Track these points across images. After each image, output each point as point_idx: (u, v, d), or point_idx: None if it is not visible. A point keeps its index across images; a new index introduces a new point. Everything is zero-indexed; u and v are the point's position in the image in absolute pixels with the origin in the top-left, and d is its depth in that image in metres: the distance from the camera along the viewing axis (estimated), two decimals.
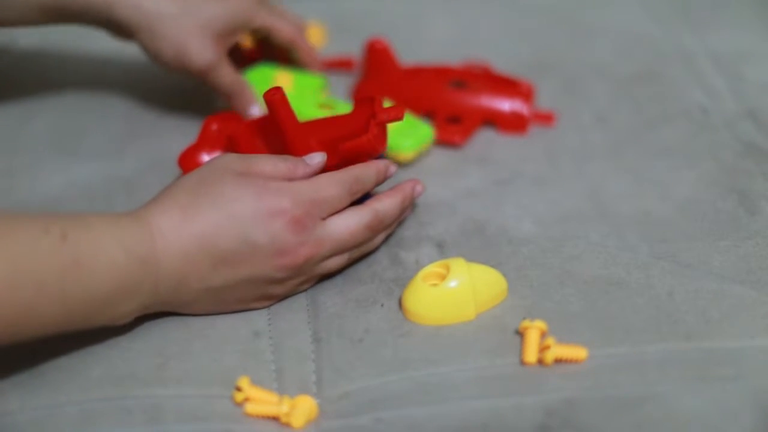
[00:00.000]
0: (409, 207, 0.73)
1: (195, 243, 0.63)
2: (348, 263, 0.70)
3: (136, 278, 0.62)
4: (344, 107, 0.84)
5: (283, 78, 0.88)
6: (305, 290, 0.69)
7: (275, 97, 0.71)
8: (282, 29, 0.87)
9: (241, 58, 0.90)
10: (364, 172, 0.69)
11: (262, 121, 0.75)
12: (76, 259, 0.59)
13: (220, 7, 0.81)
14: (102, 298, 0.61)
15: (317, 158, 0.69)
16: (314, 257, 0.66)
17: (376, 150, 0.72)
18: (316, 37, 0.99)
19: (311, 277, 0.68)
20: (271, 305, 0.69)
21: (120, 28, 0.81)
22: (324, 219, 0.67)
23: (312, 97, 0.86)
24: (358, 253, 0.70)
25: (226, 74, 0.83)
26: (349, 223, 0.68)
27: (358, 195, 0.69)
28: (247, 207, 0.64)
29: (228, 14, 0.82)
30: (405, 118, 0.73)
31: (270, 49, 0.91)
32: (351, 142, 0.71)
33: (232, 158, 0.67)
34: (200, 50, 0.81)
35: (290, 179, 0.67)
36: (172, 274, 0.63)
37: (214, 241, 0.63)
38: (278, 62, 0.91)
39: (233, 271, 0.64)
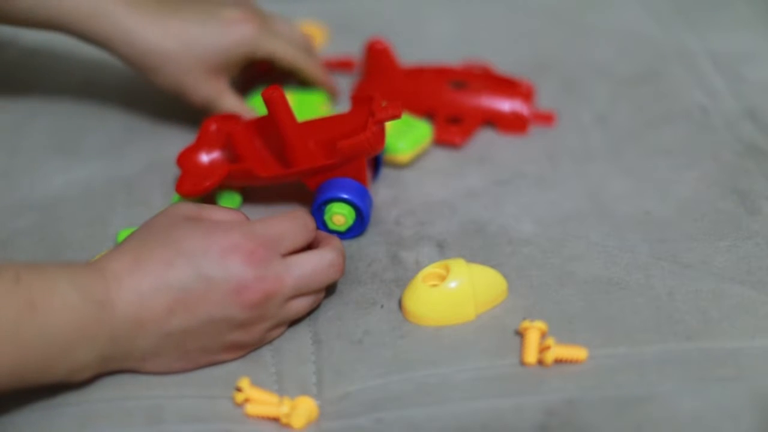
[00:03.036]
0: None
1: (148, 283, 0.61)
2: (315, 305, 0.68)
3: (93, 322, 0.59)
4: None
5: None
6: (276, 338, 0.67)
7: (274, 96, 0.71)
8: (284, 56, 0.84)
9: (254, 73, 0.89)
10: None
11: (261, 121, 0.75)
12: (30, 300, 0.57)
13: (221, 41, 0.80)
14: (59, 343, 0.59)
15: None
16: (276, 295, 0.63)
17: (374, 149, 0.73)
18: (316, 38, 0.99)
19: (278, 322, 0.65)
20: (243, 356, 0.65)
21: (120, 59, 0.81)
22: (284, 256, 0.65)
23: (313, 113, 0.85)
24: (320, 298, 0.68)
25: (228, 106, 0.82)
26: (310, 259, 0.65)
27: (314, 233, 0.67)
28: (198, 244, 0.62)
29: (229, 48, 0.81)
30: (402, 118, 0.73)
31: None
32: (349, 140, 0.71)
33: (183, 205, 0.66)
34: (197, 88, 0.81)
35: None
36: (129, 317, 0.60)
37: (166, 279, 0.61)
38: (290, 76, 0.90)
39: (190, 313, 0.62)
